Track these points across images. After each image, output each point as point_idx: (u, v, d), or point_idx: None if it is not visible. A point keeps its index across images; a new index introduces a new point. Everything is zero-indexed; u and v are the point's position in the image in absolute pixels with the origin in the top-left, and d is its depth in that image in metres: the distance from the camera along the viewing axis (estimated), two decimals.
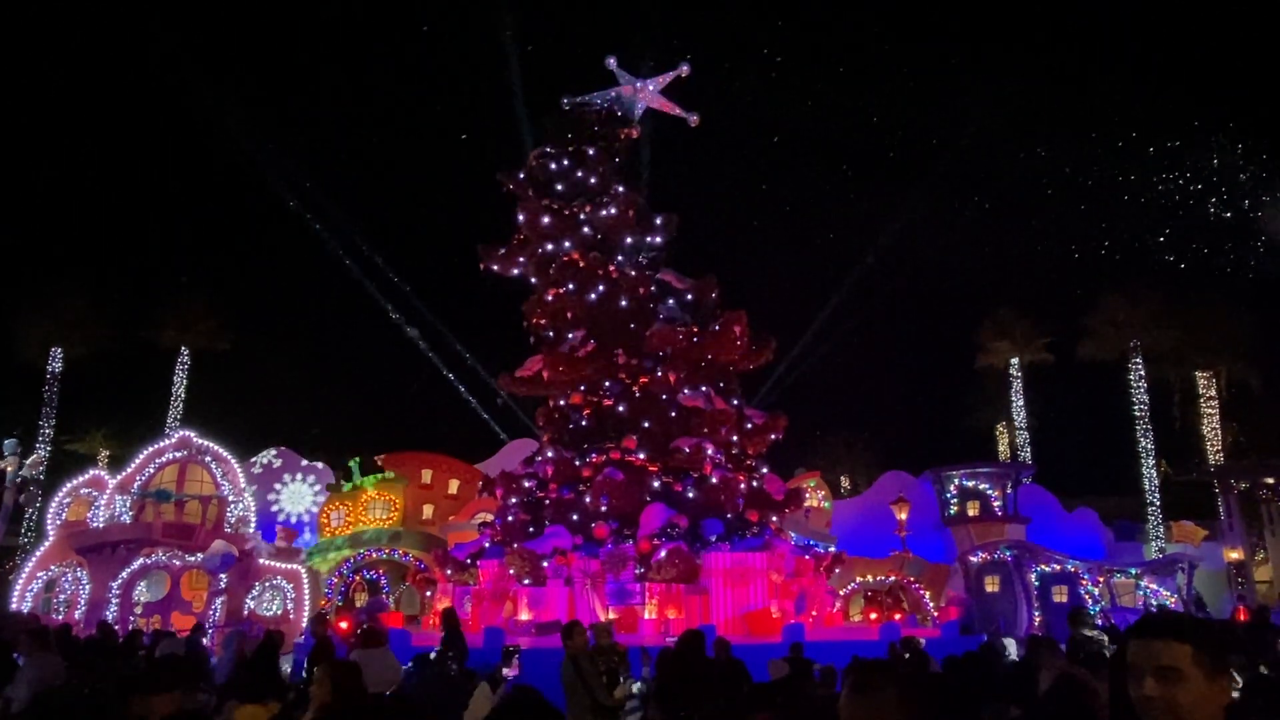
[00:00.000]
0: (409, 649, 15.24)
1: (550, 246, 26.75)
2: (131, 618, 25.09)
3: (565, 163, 27.31)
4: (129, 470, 28.37)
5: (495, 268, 27.90)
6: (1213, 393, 41.31)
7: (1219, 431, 40.78)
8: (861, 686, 2.96)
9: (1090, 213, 55.54)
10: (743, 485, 24.41)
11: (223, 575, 25.80)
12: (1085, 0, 63.77)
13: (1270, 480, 34.65)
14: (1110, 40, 68.63)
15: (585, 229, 26.78)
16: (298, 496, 34.32)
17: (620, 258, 26.90)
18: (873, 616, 26.42)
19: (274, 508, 33.55)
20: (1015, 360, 44.27)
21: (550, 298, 26.51)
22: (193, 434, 29.36)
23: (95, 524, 27.56)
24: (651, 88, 28.86)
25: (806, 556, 24.62)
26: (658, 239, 27.96)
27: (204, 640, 18.20)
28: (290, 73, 73.04)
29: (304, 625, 23.72)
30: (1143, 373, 40.47)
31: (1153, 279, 40.51)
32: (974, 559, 29.44)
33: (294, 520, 33.35)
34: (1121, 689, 2.57)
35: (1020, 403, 44.22)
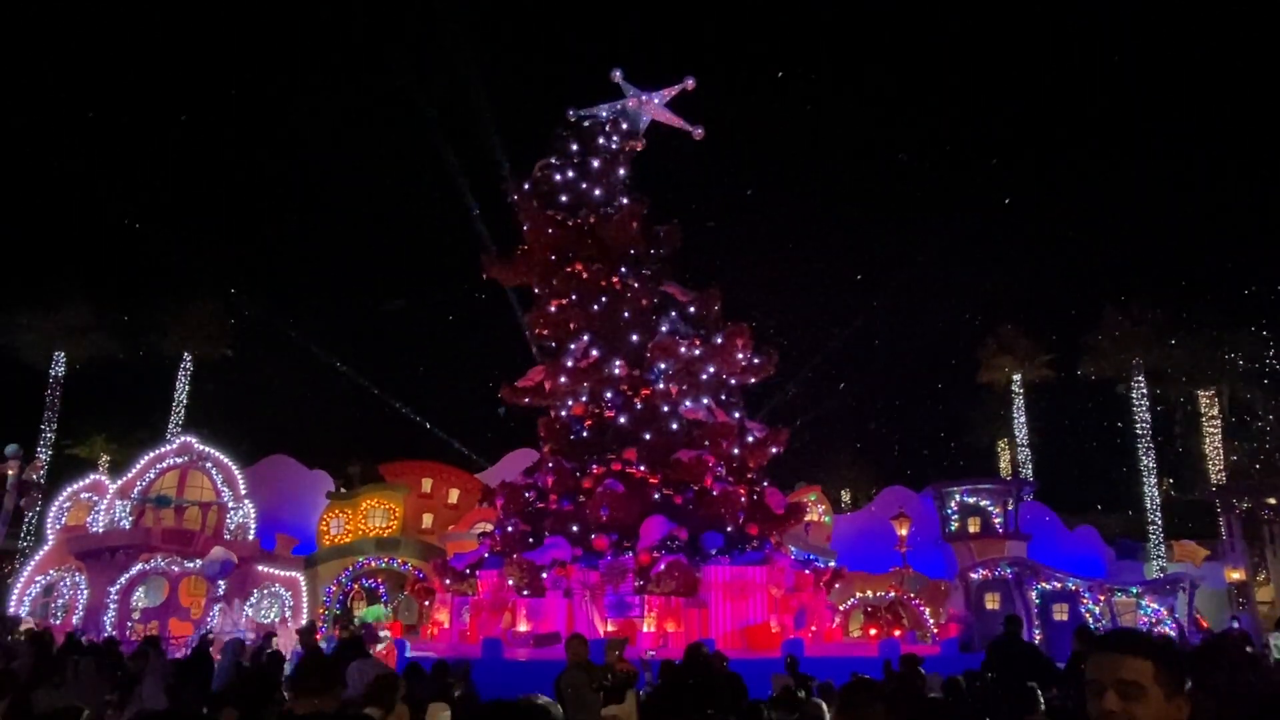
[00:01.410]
0: (403, 659, 15.21)
1: (554, 257, 26.80)
2: (129, 623, 25.06)
3: (570, 174, 27.42)
4: (129, 475, 28.38)
5: (499, 277, 27.96)
6: (1215, 412, 41.22)
7: (1220, 451, 40.68)
8: (850, 704, 3.01)
9: (1093, 230, 55.66)
10: (743, 498, 24.37)
11: (221, 582, 25.78)
12: (1086, 15, 64.04)
13: (1272, 500, 34.51)
14: (1111, 56, 68.86)
15: (589, 240, 26.84)
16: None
17: (623, 269, 26.96)
18: (872, 632, 26.33)
19: None
20: (1017, 377, 44.21)
21: (553, 308, 26.55)
22: (194, 440, 29.38)
23: (95, 529, 27.55)
24: (656, 101, 28.99)
25: (806, 571, 24.56)
26: (661, 251, 28.02)
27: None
28: (292, 76, 73.36)
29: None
30: (1144, 391, 40.38)
31: (1155, 297, 40.52)
32: (975, 576, 29.35)
33: None
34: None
35: (1022, 419, 44.15)
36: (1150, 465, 39.93)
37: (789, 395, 40.84)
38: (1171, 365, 40.30)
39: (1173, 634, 24.97)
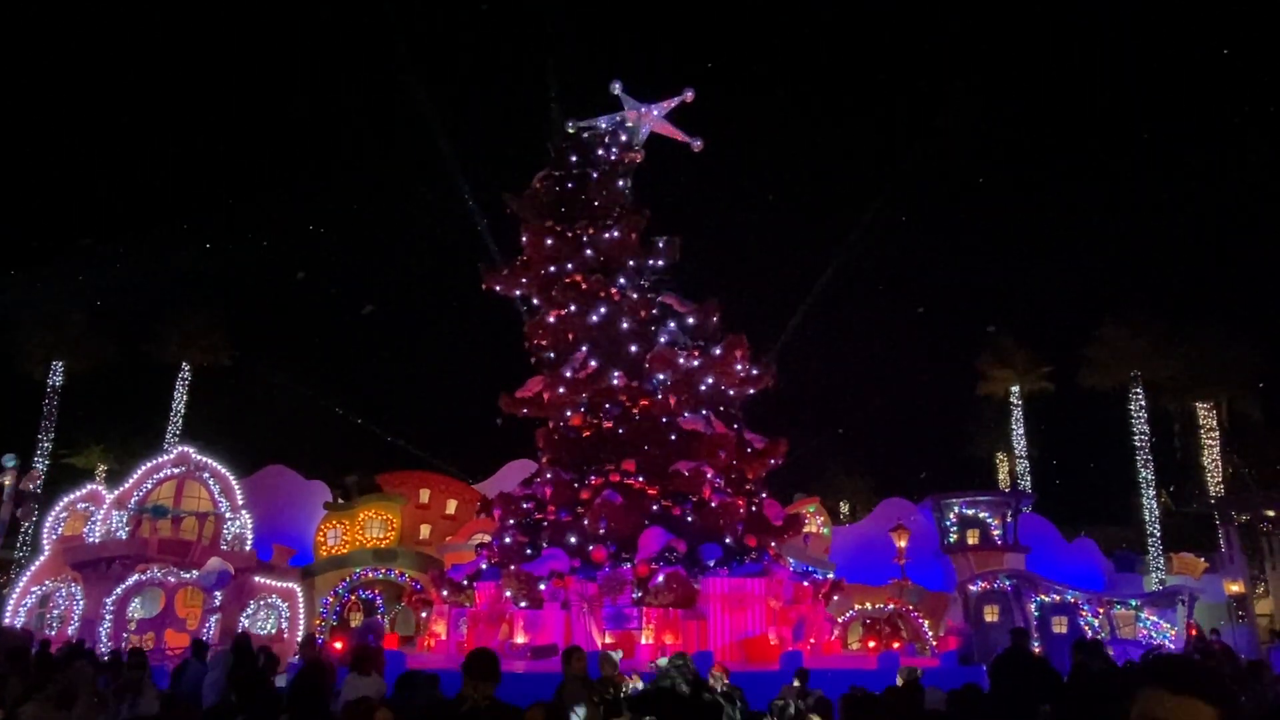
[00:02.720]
0: (402, 671, 15.11)
1: (553, 268, 26.84)
2: (125, 634, 24.93)
3: (569, 185, 27.47)
4: (127, 485, 28.30)
5: (498, 288, 27.98)
6: (1213, 423, 41.22)
7: (1219, 463, 40.66)
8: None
9: (1091, 242, 55.80)
10: (742, 510, 24.32)
11: (217, 593, 25.67)
12: (1083, 22, 64.35)
13: (1271, 512, 34.48)
14: (1110, 64, 69.12)
15: (588, 251, 26.87)
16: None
17: (622, 280, 26.98)
18: (871, 645, 26.25)
19: None
20: (1015, 389, 44.23)
21: (552, 319, 26.57)
22: (192, 450, 29.31)
23: (91, 539, 27.44)
24: (656, 112, 29.07)
25: (805, 583, 24.49)
26: (660, 262, 28.07)
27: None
28: (293, 83, 73.56)
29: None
30: (1143, 403, 40.40)
31: (1154, 309, 40.57)
32: (973, 588, 29.27)
33: None
34: None
35: (1020, 431, 44.15)
36: (1149, 477, 39.91)
37: (789, 407, 40.79)
38: (1170, 377, 40.30)
39: (1174, 648, 24.90)
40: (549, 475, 25.09)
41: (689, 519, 23.61)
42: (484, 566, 24.45)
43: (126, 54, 66.14)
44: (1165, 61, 62.46)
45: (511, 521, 24.91)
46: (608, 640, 20.76)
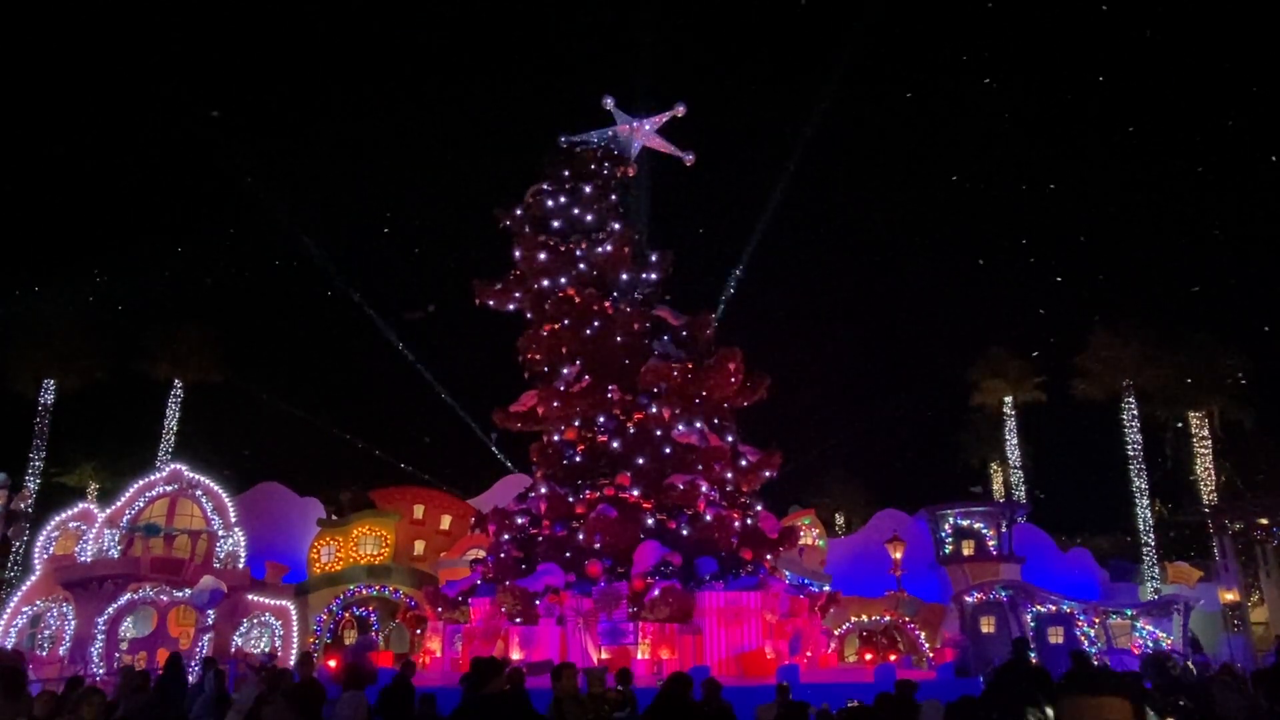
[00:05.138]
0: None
1: (546, 282, 26.87)
2: (117, 654, 24.75)
3: (562, 200, 27.54)
4: (118, 504, 28.14)
5: (491, 303, 27.99)
6: (1205, 432, 41.28)
7: (1212, 471, 40.71)
8: None
9: (1082, 251, 56.09)
10: (737, 523, 24.30)
11: (210, 611, 25.51)
12: (1078, 30, 64.84)
13: (1264, 521, 34.53)
14: (1103, 72, 69.60)
15: (581, 265, 26.92)
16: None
17: (615, 294, 27.03)
18: (868, 657, 26.19)
19: None
20: (1009, 399, 44.32)
21: (545, 333, 26.58)
22: (184, 467, 29.17)
23: (83, 558, 27.26)
24: (648, 127, 29.20)
25: (801, 596, 24.45)
26: (653, 275, 28.12)
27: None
28: (289, 102, 73.70)
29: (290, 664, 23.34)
30: (1135, 412, 40.50)
31: (1144, 318, 40.70)
32: (969, 599, 29.25)
33: None
34: None
35: (1014, 442, 44.21)
36: (1142, 486, 39.95)
37: (783, 419, 40.82)
38: (1161, 386, 40.40)
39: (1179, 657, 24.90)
40: (543, 490, 25.03)
41: (684, 533, 23.57)
42: (479, 582, 24.36)
43: (120, 64, 66.20)
44: (1158, 70, 62.95)
45: (506, 537, 24.83)
46: (604, 656, 20.68)
